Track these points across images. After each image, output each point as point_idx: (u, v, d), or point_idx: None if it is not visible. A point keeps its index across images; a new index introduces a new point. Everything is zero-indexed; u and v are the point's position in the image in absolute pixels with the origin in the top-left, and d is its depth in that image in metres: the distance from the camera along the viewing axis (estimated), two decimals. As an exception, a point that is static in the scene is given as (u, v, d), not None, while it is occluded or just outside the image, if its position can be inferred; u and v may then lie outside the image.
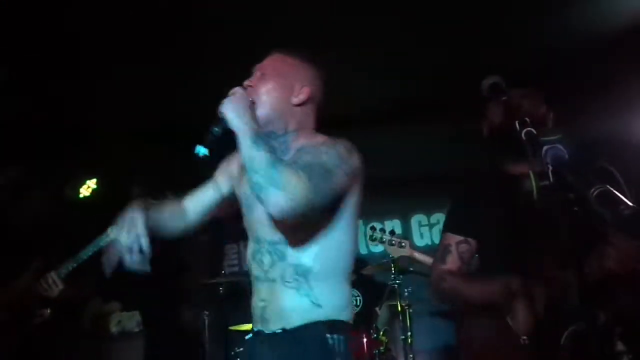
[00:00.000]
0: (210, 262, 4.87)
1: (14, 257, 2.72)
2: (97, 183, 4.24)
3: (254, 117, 1.48)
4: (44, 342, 3.77)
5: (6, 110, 2.01)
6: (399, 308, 4.00)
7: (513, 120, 1.36)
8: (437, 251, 1.77)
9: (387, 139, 4.69)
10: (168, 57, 3.46)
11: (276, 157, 1.39)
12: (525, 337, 1.42)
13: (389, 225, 5.05)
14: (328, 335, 1.43)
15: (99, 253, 2.58)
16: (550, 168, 0.97)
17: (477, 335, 1.58)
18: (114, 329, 4.11)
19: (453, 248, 1.68)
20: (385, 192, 5.22)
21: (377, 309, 4.18)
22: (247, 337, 1.60)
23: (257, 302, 1.54)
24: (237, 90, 1.55)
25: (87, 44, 3.18)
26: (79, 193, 4.22)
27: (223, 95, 1.54)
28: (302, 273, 1.45)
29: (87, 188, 4.23)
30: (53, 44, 3.08)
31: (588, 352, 1.34)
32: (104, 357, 3.89)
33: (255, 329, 1.56)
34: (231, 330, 3.80)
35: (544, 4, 3.25)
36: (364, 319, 4.25)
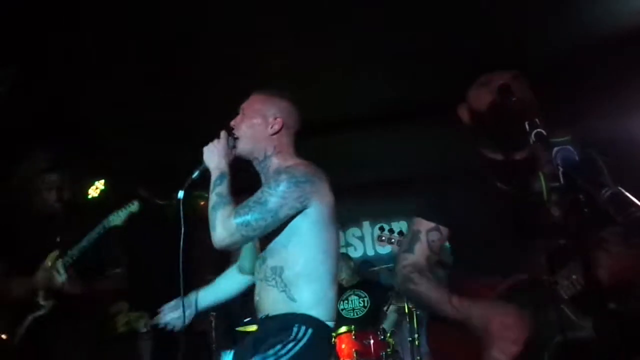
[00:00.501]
0: (217, 262, 4.88)
1: (29, 251, 2.72)
2: (105, 184, 4.26)
3: (227, 158, 1.87)
4: (50, 342, 3.79)
5: (14, 110, 2.03)
6: (406, 310, 4.00)
7: (501, 105, 1.34)
8: (404, 237, 1.67)
9: (394, 140, 4.69)
10: (177, 60, 3.47)
11: (219, 200, 1.77)
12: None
13: (396, 226, 5.04)
14: (295, 324, 1.70)
15: (101, 240, 2.62)
16: (561, 169, 0.95)
17: (447, 343, 1.43)
18: (121, 329, 4.12)
19: (422, 235, 1.56)
20: (392, 193, 5.23)
21: (385, 310, 4.18)
22: None
23: (255, 297, 1.88)
24: (222, 134, 1.90)
25: (95, 45, 3.19)
26: (87, 194, 4.24)
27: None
28: (278, 273, 1.78)
29: (96, 189, 4.25)
30: (61, 45, 3.10)
31: None
32: (112, 357, 3.90)
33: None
34: (238, 331, 3.80)
35: (548, 2, 3.23)
36: (371, 320, 4.25)
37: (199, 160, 1.89)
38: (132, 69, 3.46)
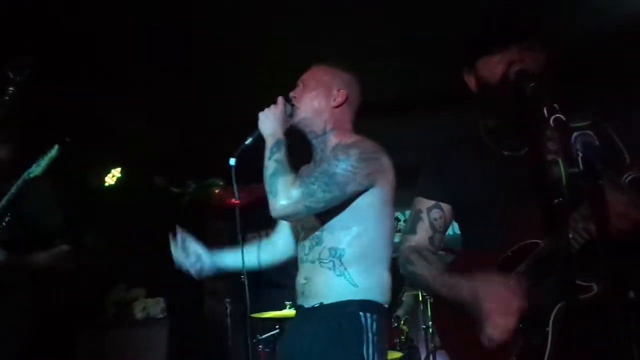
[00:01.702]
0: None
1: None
2: (121, 172, 4.31)
3: (284, 126, 1.75)
4: (68, 328, 3.87)
5: (32, 100, 2.05)
6: (420, 297, 4.00)
7: (513, 77, 1.29)
8: (407, 218, 1.59)
9: (409, 129, 4.66)
10: (193, 48, 3.48)
11: (280, 167, 1.65)
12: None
13: (403, 219, 5.02)
14: (361, 313, 1.59)
15: (23, 191, 2.36)
16: (580, 155, 0.94)
17: (452, 318, 1.37)
18: (139, 314, 4.19)
19: (424, 214, 1.50)
20: (405, 182, 5.20)
21: (401, 297, 4.18)
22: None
23: (299, 280, 1.74)
24: (279, 100, 1.79)
25: (111, 33, 3.21)
26: (104, 182, 4.30)
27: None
28: (337, 256, 1.65)
29: (112, 177, 4.30)
30: (77, 34, 3.12)
31: (579, 338, 1.25)
32: (129, 342, 3.97)
33: (297, 304, 1.76)
34: (253, 317, 3.84)
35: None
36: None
37: (253, 126, 1.77)
38: (148, 58, 3.47)
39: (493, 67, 1.39)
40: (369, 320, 1.60)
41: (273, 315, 3.60)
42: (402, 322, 3.90)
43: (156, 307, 4.16)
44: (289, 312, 3.93)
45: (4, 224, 2.38)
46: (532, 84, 1.22)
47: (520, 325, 1.24)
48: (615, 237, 1.06)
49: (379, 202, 1.69)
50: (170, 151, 4.50)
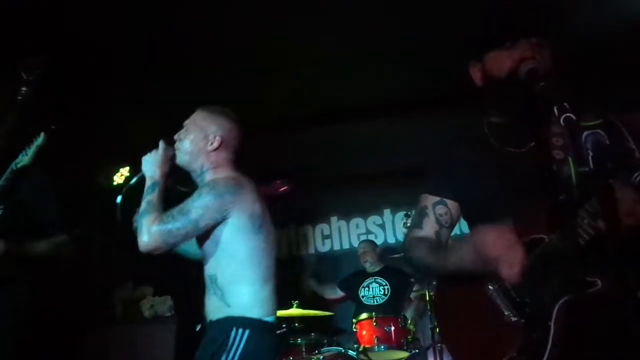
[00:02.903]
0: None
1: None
2: (130, 171, 4.33)
3: (163, 168, 1.98)
4: (76, 326, 3.89)
5: (43, 98, 2.07)
6: (427, 297, 3.99)
7: (524, 76, 1.27)
8: (413, 214, 1.60)
9: (416, 128, 4.65)
10: (200, 49, 3.49)
11: (149, 207, 1.85)
12: (509, 314, 1.26)
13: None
14: (234, 328, 1.82)
15: (10, 185, 2.34)
16: (591, 154, 0.93)
17: (456, 308, 1.38)
18: (146, 312, 4.21)
19: (430, 210, 1.50)
20: (413, 181, 5.19)
21: (411, 297, 4.17)
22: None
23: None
24: (160, 144, 2.03)
25: (120, 32, 3.23)
26: (112, 180, 4.32)
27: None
28: (214, 280, 1.90)
29: (121, 176, 4.32)
30: (83, 38, 3.14)
31: (582, 332, 1.23)
32: (137, 340, 3.99)
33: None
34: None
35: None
36: (391, 307, 4.26)
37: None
38: (156, 58, 3.49)
39: (502, 61, 1.38)
40: (238, 335, 1.81)
41: (279, 314, 3.60)
42: (409, 322, 3.90)
43: (164, 305, 4.18)
44: (295, 311, 3.95)
45: None
46: (542, 83, 1.22)
47: (522, 320, 1.24)
48: (623, 234, 1.05)
49: (237, 230, 1.88)
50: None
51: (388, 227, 5.45)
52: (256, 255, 1.91)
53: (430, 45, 3.65)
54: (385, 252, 4.80)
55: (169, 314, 4.20)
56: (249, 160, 5.14)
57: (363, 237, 5.22)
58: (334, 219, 5.63)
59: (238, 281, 1.87)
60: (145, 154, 2.10)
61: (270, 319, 1.91)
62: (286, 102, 4.16)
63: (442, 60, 3.81)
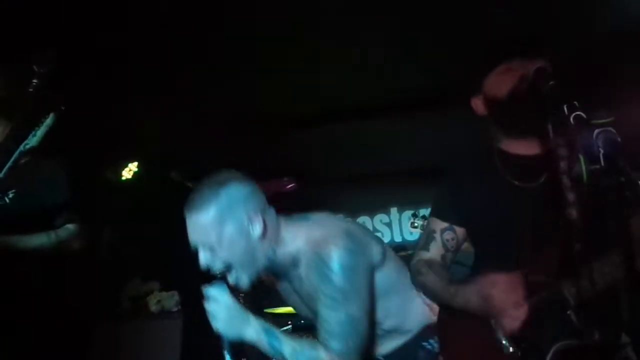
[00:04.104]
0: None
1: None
2: (138, 166, 4.35)
3: (239, 314, 1.51)
4: (83, 321, 3.91)
5: (52, 93, 2.08)
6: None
7: (532, 75, 1.28)
8: (421, 236, 1.66)
9: (423, 126, 4.64)
10: (208, 46, 3.50)
11: (295, 355, 1.47)
12: (507, 344, 1.30)
13: (423, 213, 5.00)
14: (428, 340, 1.63)
15: (16, 167, 2.16)
16: (602, 152, 0.93)
17: (456, 336, 1.44)
18: (153, 307, 4.23)
19: (437, 235, 1.54)
20: (420, 179, 5.19)
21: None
22: None
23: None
24: (211, 292, 1.53)
25: (128, 34, 3.25)
26: (121, 175, 4.35)
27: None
28: (389, 328, 1.68)
29: (129, 171, 4.34)
30: (92, 33, 3.16)
31: None
32: (144, 334, 4.01)
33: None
34: (266, 312, 3.86)
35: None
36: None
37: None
38: (166, 52, 3.50)
39: (500, 84, 1.41)
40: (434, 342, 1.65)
41: (286, 311, 3.61)
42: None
43: (170, 300, 4.20)
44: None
45: (7, 199, 2.28)
46: (551, 83, 1.22)
47: (519, 354, 1.27)
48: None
49: (378, 268, 1.60)
50: (186, 146, 4.54)
51: (395, 226, 5.45)
52: (396, 266, 1.67)
53: (438, 45, 3.65)
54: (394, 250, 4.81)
55: (175, 309, 4.22)
56: (257, 158, 5.16)
57: (370, 236, 5.23)
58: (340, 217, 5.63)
59: (403, 305, 1.64)
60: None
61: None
62: (293, 101, 4.17)
63: (450, 60, 3.81)
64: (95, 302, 4.14)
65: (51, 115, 2.24)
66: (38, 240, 2.42)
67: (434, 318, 1.64)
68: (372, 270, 1.55)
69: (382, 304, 1.59)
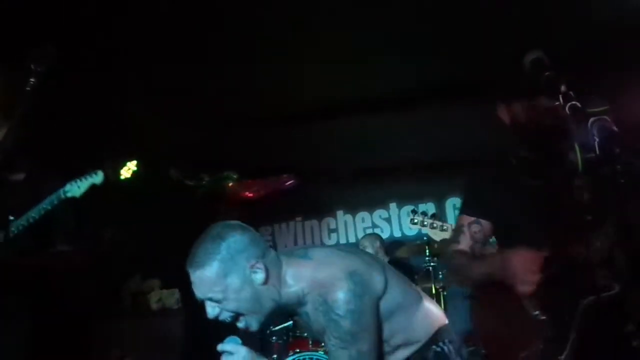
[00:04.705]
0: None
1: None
2: (137, 165, 4.35)
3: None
4: (85, 318, 3.92)
5: (50, 92, 2.08)
6: (434, 290, 4.00)
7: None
8: (452, 232, 1.87)
9: (422, 122, 4.64)
10: (209, 45, 3.50)
11: None
12: (538, 313, 1.45)
13: (422, 208, 5.01)
14: (439, 343, 1.69)
15: (52, 211, 2.30)
16: (597, 140, 0.95)
17: (489, 313, 1.61)
18: (154, 305, 4.25)
19: (465, 228, 1.74)
20: (419, 175, 5.20)
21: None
22: None
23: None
24: (227, 349, 1.57)
25: (129, 30, 3.24)
26: (120, 174, 4.35)
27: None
28: (397, 343, 1.69)
29: (128, 170, 4.35)
30: (91, 29, 3.16)
31: (600, 328, 1.38)
32: (145, 332, 4.02)
33: None
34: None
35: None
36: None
37: None
38: (164, 51, 3.50)
39: (529, 111, 1.53)
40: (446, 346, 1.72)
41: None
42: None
43: (171, 297, 4.22)
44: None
45: (20, 229, 2.31)
46: (547, 73, 1.22)
47: (548, 319, 1.41)
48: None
49: (383, 294, 1.62)
50: (185, 144, 4.54)
51: (394, 221, 5.45)
52: (397, 284, 1.69)
53: (438, 40, 3.65)
54: (390, 246, 4.82)
55: (176, 307, 4.23)
56: (257, 155, 5.15)
57: (369, 231, 5.23)
58: (340, 213, 5.64)
59: (410, 320, 1.66)
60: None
61: (445, 322, 1.76)
62: (293, 96, 4.17)
63: (450, 54, 3.81)
64: (96, 299, 4.15)
65: (100, 174, 2.34)
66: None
67: (443, 321, 1.75)
68: (377, 303, 1.58)
69: (387, 326, 1.62)
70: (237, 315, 1.58)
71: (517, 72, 1.57)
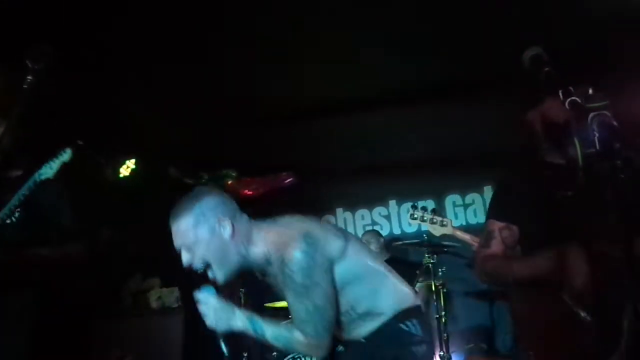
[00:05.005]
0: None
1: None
2: (136, 163, 4.35)
3: (226, 306, 1.82)
4: (85, 318, 3.93)
5: (49, 90, 2.07)
6: (434, 287, 4.00)
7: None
8: (480, 238, 1.84)
9: (421, 119, 4.64)
10: (208, 43, 3.50)
11: (281, 339, 1.78)
12: (585, 314, 1.43)
13: (422, 204, 5.00)
14: (405, 322, 1.81)
15: (34, 192, 2.28)
16: (597, 135, 0.94)
17: (532, 312, 1.61)
18: (154, 304, 4.25)
19: (496, 233, 1.74)
20: (418, 172, 5.20)
21: (414, 286, 4.18)
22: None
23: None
24: (200, 296, 1.84)
25: (128, 29, 3.24)
26: (119, 173, 4.34)
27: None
28: (346, 315, 1.84)
29: (127, 168, 4.34)
30: (90, 28, 3.15)
31: None
32: (145, 331, 4.02)
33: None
34: (266, 307, 3.87)
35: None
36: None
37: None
38: (163, 49, 3.50)
39: (562, 111, 1.45)
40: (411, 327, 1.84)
41: (285, 305, 3.61)
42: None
43: (171, 296, 4.22)
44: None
45: (13, 219, 2.32)
46: (546, 69, 1.22)
47: (597, 320, 1.39)
48: None
49: (340, 263, 1.78)
50: (184, 143, 4.53)
51: (394, 218, 5.45)
52: (361, 256, 1.85)
53: (438, 38, 3.64)
54: (391, 242, 4.82)
55: (176, 305, 4.23)
56: (256, 153, 5.15)
57: (369, 228, 5.23)
58: (339, 211, 5.64)
59: (374, 291, 1.82)
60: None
61: (416, 303, 1.88)
62: (292, 94, 4.16)
63: (449, 53, 3.81)
64: (96, 298, 4.15)
65: (68, 151, 2.30)
66: (51, 254, 2.46)
67: (413, 302, 1.86)
68: (330, 265, 1.76)
69: (350, 291, 1.80)
70: (207, 266, 1.79)
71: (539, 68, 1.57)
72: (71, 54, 3.08)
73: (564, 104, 1.45)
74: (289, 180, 5.14)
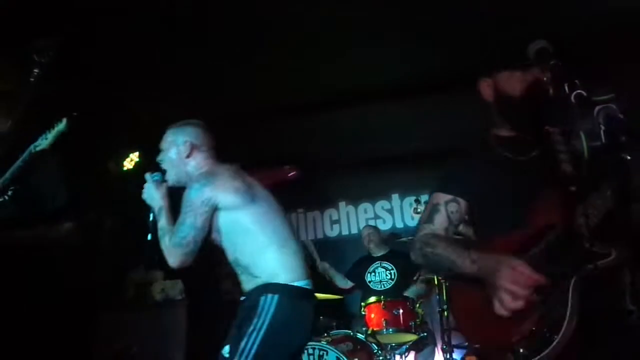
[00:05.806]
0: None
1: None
2: (140, 156, 4.35)
3: (161, 191, 2.25)
4: (87, 310, 3.94)
5: (54, 83, 2.07)
6: (436, 281, 4.01)
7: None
8: (424, 210, 1.70)
9: (424, 113, 4.64)
10: (209, 33, 3.49)
11: (162, 233, 2.12)
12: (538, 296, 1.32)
13: (424, 199, 5.01)
14: (263, 295, 1.99)
15: (29, 164, 2.31)
16: (603, 128, 0.94)
17: (472, 299, 1.45)
18: (157, 296, 4.26)
19: (442, 207, 1.60)
20: (421, 166, 5.19)
21: (414, 279, 4.20)
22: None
23: None
24: (146, 177, 2.30)
25: (131, 19, 3.23)
26: (122, 165, 4.35)
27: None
28: (237, 263, 2.12)
29: (131, 161, 4.35)
30: (95, 19, 3.15)
31: (597, 304, 1.30)
32: (149, 323, 4.04)
33: None
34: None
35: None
36: (398, 292, 4.28)
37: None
38: (170, 41, 3.49)
39: (515, 82, 1.47)
40: (267, 300, 1.98)
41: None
42: (417, 305, 3.92)
43: (174, 288, 4.22)
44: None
45: (6, 197, 2.33)
46: (552, 62, 1.22)
47: (539, 297, 1.28)
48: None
49: (232, 208, 2.07)
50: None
51: (396, 212, 5.46)
52: (259, 221, 2.08)
53: (439, 29, 3.63)
54: (391, 236, 4.82)
55: (179, 298, 4.24)
56: (258, 146, 5.15)
57: (371, 222, 5.24)
58: (342, 204, 5.65)
59: (255, 251, 2.05)
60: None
61: (300, 283, 2.05)
62: (294, 87, 4.16)
63: (451, 44, 3.80)
64: (99, 290, 4.17)
65: (64, 121, 2.34)
66: (45, 233, 2.46)
67: (290, 280, 2.01)
68: (212, 205, 2.06)
69: (235, 239, 2.09)
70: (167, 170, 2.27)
71: (501, 45, 1.56)
72: (75, 48, 3.09)
73: (522, 78, 1.45)
74: (291, 173, 5.15)
